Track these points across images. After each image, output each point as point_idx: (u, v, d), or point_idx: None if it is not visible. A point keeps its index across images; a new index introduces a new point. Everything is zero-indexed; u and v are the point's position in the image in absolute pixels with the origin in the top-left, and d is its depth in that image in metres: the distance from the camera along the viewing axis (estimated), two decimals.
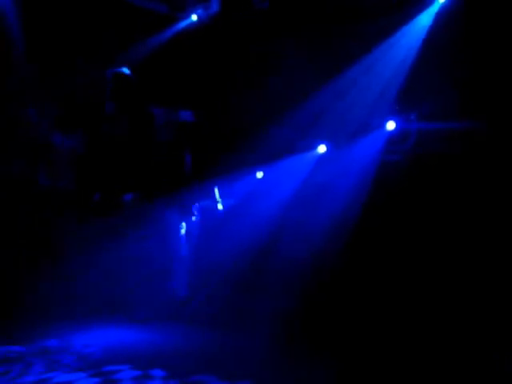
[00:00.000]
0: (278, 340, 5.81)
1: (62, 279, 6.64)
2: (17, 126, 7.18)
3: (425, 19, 6.81)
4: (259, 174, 7.68)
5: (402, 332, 5.64)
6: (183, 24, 7.85)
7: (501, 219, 6.19)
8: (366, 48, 6.89)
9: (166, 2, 7.92)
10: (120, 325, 6.37)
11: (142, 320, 6.44)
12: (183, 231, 6.63)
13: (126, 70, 6.54)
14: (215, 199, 7.00)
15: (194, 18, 7.81)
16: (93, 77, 7.55)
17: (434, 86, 6.43)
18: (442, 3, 6.77)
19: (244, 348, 5.60)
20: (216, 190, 6.48)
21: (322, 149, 7.35)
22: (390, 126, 6.84)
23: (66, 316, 6.24)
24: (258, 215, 7.35)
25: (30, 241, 6.84)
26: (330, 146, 7.29)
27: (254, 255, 7.05)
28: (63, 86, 7.43)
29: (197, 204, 7.15)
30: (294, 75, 7.06)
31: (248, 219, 7.37)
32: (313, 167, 7.28)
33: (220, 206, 6.73)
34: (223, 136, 7.51)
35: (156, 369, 4.82)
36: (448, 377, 4.68)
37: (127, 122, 6.42)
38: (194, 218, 7.06)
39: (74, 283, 6.67)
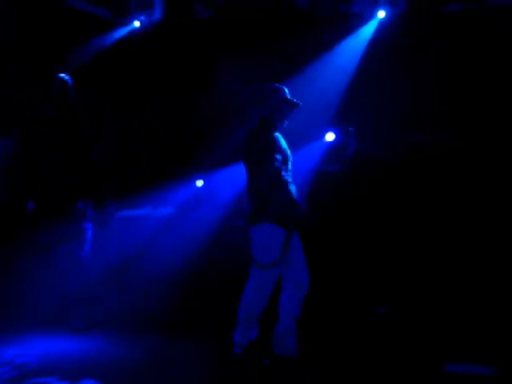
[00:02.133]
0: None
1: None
2: None
3: (366, 33, 6.95)
4: (199, 183, 7.62)
5: None
6: (126, 30, 7.79)
7: (438, 228, 6.31)
8: (308, 58, 6.96)
9: (109, 7, 7.85)
10: (57, 334, 6.21)
11: (79, 329, 6.28)
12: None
13: (63, 75, 6.41)
14: None
15: (137, 24, 7.76)
16: (29, 80, 7.42)
17: (374, 98, 6.54)
18: (382, 18, 6.92)
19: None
20: None
21: None
22: (329, 137, 6.89)
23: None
24: (197, 224, 7.30)
25: None
26: None
27: (188, 264, 6.99)
28: None
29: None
30: (236, 83, 7.06)
31: (187, 228, 7.31)
32: None
33: None
34: (163, 143, 7.44)
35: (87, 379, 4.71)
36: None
37: (63, 125, 6.28)
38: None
39: (12, 291, 6.51)
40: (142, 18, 7.72)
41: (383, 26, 6.87)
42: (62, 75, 6.39)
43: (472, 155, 6.26)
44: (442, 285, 6.09)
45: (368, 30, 6.95)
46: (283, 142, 5.01)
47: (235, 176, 7.35)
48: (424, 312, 5.89)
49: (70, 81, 6.39)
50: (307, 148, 6.88)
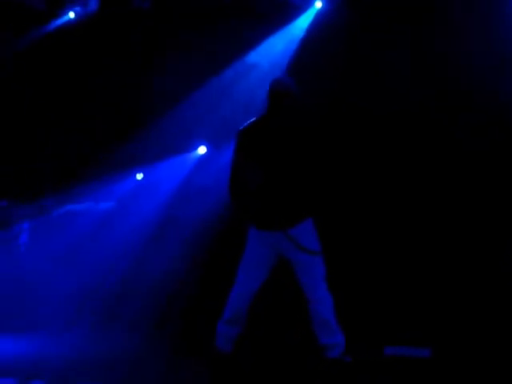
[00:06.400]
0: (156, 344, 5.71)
1: None
2: None
3: (302, 23, 6.96)
4: (139, 176, 7.56)
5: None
6: (60, 21, 7.64)
7: None
8: (247, 49, 6.96)
9: None
10: None
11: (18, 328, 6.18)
12: None
13: None
14: None
15: (72, 15, 7.62)
16: None
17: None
18: (319, 9, 6.95)
19: (121, 354, 5.45)
20: None
21: (202, 150, 7.34)
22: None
23: None
24: (136, 218, 7.25)
25: None
26: (210, 148, 7.30)
27: (128, 260, 6.94)
28: None
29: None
30: (176, 75, 7.01)
31: (126, 222, 7.25)
32: (193, 168, 7.27)
33: None
34: (102, 136, 7.35)
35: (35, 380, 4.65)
36: None
37: None
38: None
39: None
40: (77, 8, 7.58)
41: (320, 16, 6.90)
42: None
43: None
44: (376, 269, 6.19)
45: (305, 19, 6.96)
46: None
47: (175, 168, 7.37)
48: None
49: None
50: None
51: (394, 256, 6.15)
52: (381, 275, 6.11)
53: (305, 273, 4.70)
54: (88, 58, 7.45)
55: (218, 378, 4.58)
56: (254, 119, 4.82)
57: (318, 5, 6.93)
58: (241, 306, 4.78)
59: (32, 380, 4.65)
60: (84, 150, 7.45)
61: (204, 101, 7.14)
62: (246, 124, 4.82)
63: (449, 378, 4.46)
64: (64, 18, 7.60)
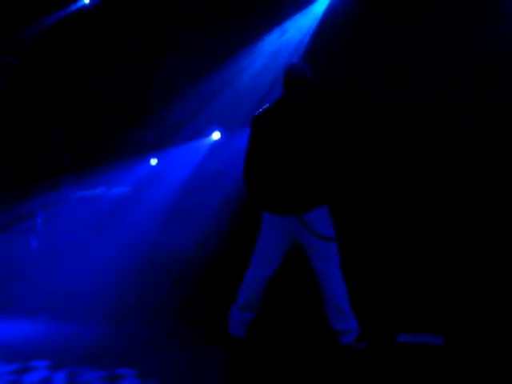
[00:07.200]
0: (164, 331, 5.73)
1: None
2: None
3: (317, 8, 6.90)
4: (153, 161, 7.57)
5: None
6: (75, 6, 7.65)
7: None
8: (258, 35, 6.91)
9: None
10: (6, 317, 6.14)
11: (29, 312, 6.22)
12: None
13: None
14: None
15: (86, 0, 7.63)
16: None
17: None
18: None
19: (131, 339, 5.48)
20: None
21: (216, 135, 7.34)
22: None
23: None
24: (150, 204, 7.26)
25: None
26: (225, 133, 7.29)
27: (142, 246, 6.95)
28: None
29: None
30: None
31: (140, 208, 7.26)
32: (207, 154, 7.27)
33: None
34: (114, 121, 7.36)
35: (38, 359, 4.71)
36: None
37: None
38: None
39: None
40: None
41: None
42: None
43: None
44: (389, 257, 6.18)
45: (321, 4, 6.89)
46: None
47: (189, 154, 7.38)
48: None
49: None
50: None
51: (406, 246, 6.15)
52: (393, 264, 6.10)
53: (319, 258, 4.72)
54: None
55: (231, 363, 4.61)
56: (268, 104, 4.82)
57: None
58: (255, 291, 4.79)
59: (37, 360, 4.72)
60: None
61: (217, 86, 7.13)
62: (260, 109, 4.82)
63: (461, 366, 4.45)
64: (78, 3, 7.62)
